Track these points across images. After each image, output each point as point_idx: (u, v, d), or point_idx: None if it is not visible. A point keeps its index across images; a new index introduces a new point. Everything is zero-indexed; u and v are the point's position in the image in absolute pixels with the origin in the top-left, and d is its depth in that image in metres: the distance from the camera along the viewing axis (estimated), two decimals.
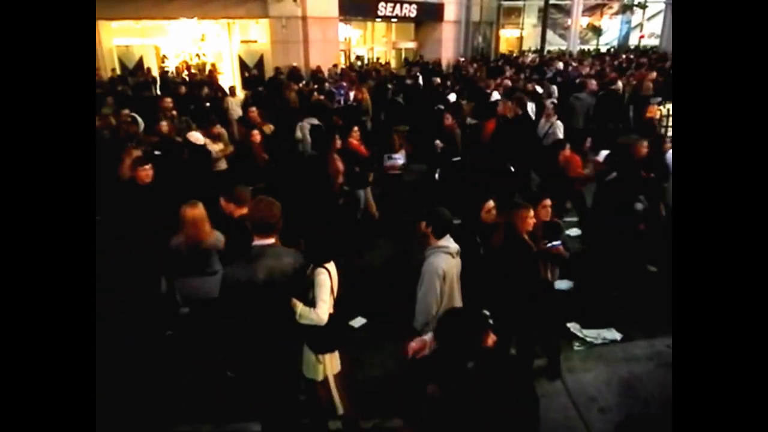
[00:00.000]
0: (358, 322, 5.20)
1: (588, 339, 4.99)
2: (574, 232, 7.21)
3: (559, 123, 8.39)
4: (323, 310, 3.19)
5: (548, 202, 4.70)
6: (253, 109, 8.71)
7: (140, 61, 18.35)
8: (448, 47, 22.97)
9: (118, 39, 18.43)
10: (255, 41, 18.90)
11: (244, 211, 4.33)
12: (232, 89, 12.26)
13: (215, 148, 7.39)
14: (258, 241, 3.12)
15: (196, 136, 7.10)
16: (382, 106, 11.60)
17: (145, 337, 4.59)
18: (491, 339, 2.53)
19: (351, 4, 18.50)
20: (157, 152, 6.54)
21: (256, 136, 7.42)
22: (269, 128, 8.25)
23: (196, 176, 6.27)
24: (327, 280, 3.25)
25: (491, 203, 4.58)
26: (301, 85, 13.55)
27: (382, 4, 19.77)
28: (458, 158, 7.76)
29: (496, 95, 11.51)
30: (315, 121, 8.55)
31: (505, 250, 4.05)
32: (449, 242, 3.57)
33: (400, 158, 7.82)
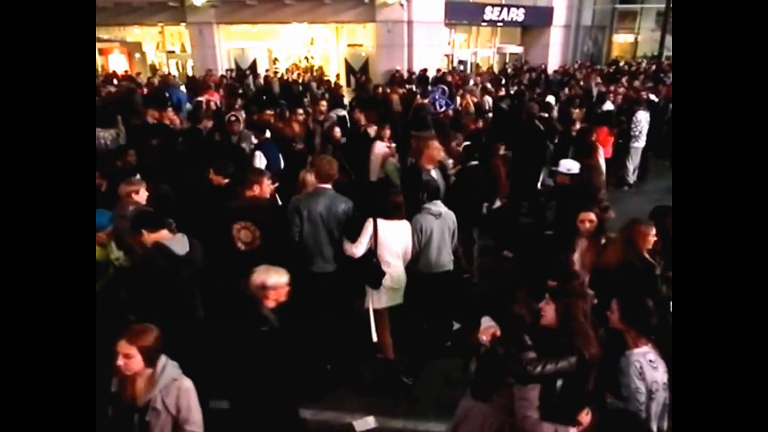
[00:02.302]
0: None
1: None
2: None
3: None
4: (359, 247, 4.07)
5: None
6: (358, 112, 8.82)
7: (254, 63, 19.46)
8: (555, 52, 22.14)
9: (235, 42, 19.68)
10: (361, 45, 19.37)
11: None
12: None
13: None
14: (319, 185, 4.17)
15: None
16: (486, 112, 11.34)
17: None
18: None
19: (457, 9, 18.38)
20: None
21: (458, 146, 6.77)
22: (374, 130, 8.33)
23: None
24: (370, 227, 4.09)
25: (591, 214, 4.15)
26: (407, 88, 13.64)
27: (488, 8, 19.43)
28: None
29: (609, 105, 10.94)
30: (342, 112, 8.45)
31: (622, 271, 3.69)
32: (435, 206, 4.52)
33: None
